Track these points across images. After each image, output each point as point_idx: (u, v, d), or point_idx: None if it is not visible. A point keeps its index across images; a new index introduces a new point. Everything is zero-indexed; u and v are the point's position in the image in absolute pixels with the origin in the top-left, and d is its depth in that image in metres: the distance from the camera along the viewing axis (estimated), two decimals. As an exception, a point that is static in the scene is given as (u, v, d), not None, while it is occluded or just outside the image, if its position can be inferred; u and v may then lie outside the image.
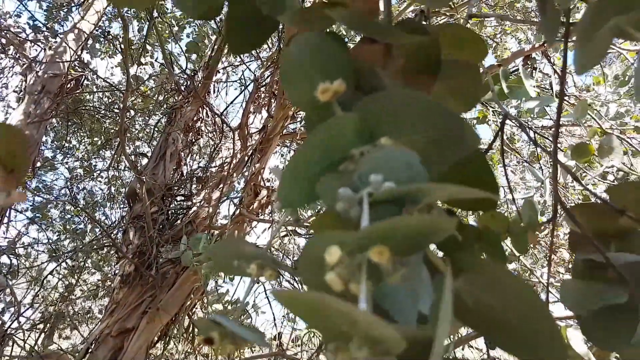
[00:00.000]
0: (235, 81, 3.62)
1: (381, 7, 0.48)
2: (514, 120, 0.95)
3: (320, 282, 0.20)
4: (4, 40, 3.62)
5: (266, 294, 3.03)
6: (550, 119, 2.39)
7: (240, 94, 3.45)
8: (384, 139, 0.32)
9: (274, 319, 3.00)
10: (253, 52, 2.69)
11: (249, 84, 3.18)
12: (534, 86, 1.53)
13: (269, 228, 2.69)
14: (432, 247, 0.31)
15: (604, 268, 0.38)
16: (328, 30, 0.46)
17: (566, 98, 2.21)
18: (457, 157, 0.31)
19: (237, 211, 2.64)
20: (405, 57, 0.46)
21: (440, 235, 0.21)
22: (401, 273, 0.18)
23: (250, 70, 3.21)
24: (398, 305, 0.24)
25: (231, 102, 3.48)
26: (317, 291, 0.23)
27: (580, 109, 1.48)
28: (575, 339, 0.82)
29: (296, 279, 2.86)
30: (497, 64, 1.94)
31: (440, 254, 0.34)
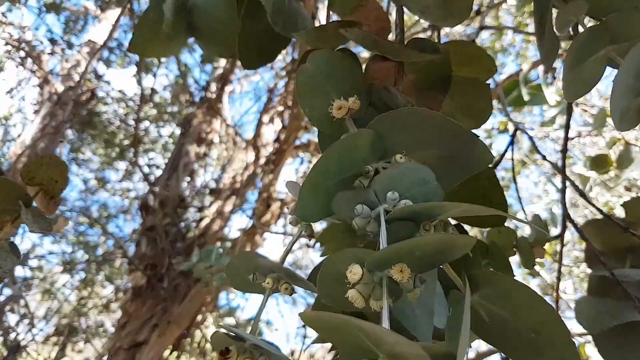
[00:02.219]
0: (249, 92, 3.66)
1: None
2: (522, 132, 0.95)
3: (339, 297, 0.20)
4: (22, 53, 3.70)
5: (279, 310, 3.02)
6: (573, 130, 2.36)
7: (254, 104, 3.48)
8: (398, 156, 0.32)
9: (287, 336, 2.98)
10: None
11: (263, 96, 3.20)
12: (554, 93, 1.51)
13: (282, 241, 2.69)
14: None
15: (618, 284, 0.38)
16: (341, 47, 0.47)
17: (588, 108, 2.18)
18: (468, 174, 0.31)
19: (250, 223, 2.65)
20: (415, 74, 0.47)
21: (458, 252, 0.21)
22: (420, 290, 0.19)
23: (264, 80, 3.24)
24: (415, 321, 0.24)
25: (244, 113, 3.50)
26: (336, 306, 0.23)
27: (599, 118, 1.47)
28: (596, 356, 0.81)
29: (310, 293, 2.85)
30: (516, 73, 1.94)
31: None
